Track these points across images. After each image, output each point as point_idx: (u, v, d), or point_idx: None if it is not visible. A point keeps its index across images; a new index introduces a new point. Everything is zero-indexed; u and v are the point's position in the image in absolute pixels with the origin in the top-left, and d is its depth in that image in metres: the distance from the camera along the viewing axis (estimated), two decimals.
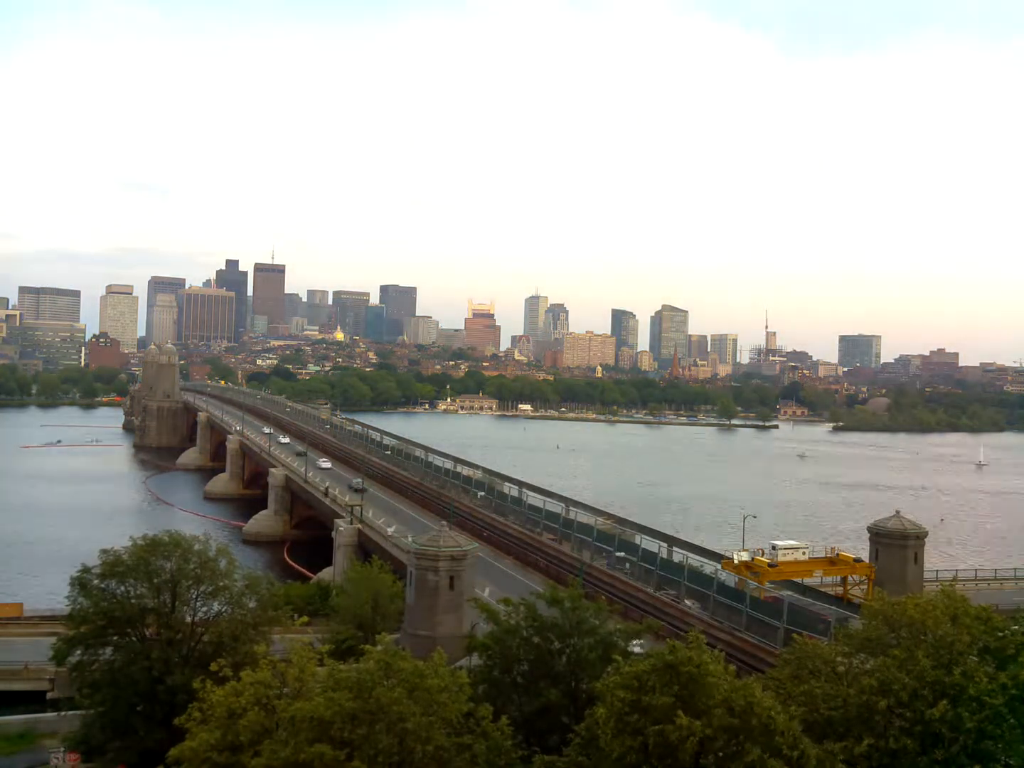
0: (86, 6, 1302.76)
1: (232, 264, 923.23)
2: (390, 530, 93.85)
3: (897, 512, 74.25)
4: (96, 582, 47.10)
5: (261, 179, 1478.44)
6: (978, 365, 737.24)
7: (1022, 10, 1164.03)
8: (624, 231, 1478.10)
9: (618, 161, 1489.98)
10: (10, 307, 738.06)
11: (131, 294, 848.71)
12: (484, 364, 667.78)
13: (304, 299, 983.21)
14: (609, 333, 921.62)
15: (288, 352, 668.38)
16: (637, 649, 41.51)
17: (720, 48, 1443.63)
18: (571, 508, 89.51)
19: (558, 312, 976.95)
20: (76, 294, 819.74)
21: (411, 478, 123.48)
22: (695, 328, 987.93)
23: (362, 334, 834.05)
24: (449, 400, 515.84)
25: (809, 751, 27.27)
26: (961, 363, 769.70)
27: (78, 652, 46.68)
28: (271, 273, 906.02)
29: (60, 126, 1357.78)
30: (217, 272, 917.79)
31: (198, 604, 47.72)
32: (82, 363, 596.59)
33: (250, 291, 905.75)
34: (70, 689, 50.84)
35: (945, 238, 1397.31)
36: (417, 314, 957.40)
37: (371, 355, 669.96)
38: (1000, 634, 35.42)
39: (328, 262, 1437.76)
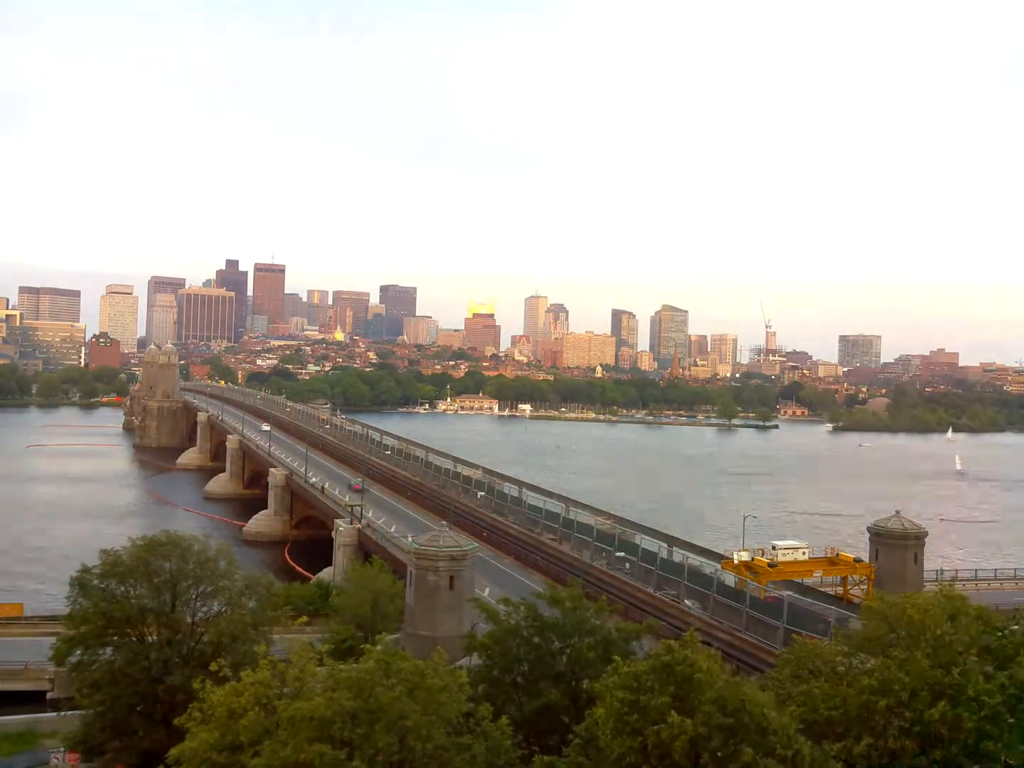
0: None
1: (232, 264, 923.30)
2: (391, 530, 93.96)
3: (897, 512, 74.18)
4: (96, 582, 47.06)
5: (261, 179, 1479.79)
6: (978, 365, 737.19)
7: None
8: (624, 231, 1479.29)
9: (618, 161, 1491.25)
10: (10, 307, 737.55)
11: (131, 294, 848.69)
12: (484, 364, 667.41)
13: (304, 299, 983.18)
14: (609, 333, 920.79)
15: (288, 352, 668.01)
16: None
17: (724, 47, 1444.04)
18: (571, 508, 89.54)
19: (558, 312, 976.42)
20: (76, 294, 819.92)
21: (411, 478, 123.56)
22: (695, 328, 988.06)
23: (362, 334, 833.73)
24: (449, 400, 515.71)
25: (804, 750, 27.27)
26: (961, 363, 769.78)
27: (78, 652, 46.65)
28: (271, 273, 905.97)
29: (59, 124, 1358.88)
30: (217, 272, 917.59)
31: (198, 604, 47.69)
32: (82, 363, 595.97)
33: (250, 291, 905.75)
34: (70, 689, 50.85)
35: (945, 238, 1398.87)
36: (417, 314, 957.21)
37: (371, 355, 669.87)
38: (999, 634, 35.46)
39: (328, 262, 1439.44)
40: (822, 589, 72.37)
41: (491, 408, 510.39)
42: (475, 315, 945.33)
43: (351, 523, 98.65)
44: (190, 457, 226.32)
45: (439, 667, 31.96)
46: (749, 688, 28.23)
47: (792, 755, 26.87)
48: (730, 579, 65.20)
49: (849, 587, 71.16)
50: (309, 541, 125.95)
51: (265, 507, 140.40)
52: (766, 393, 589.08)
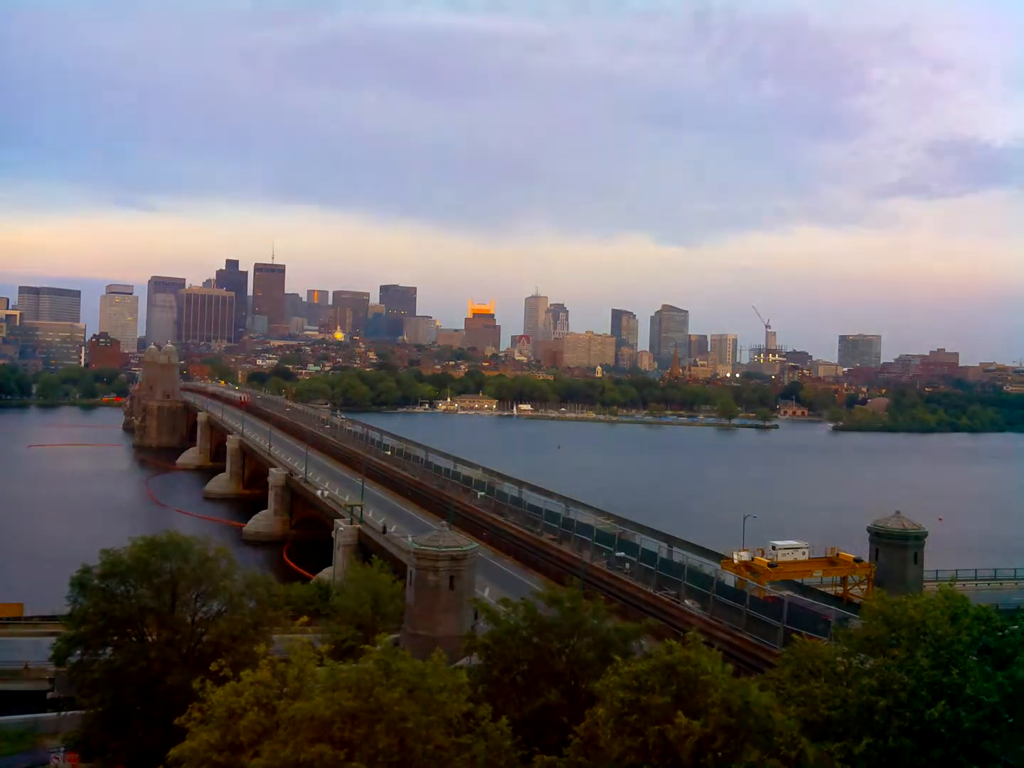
0: None
1: (232, 264, 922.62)
2: (391, 530, 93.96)
3: (897, 512, 74.17)
4: (96, 582, 47.15)
5: (261, 179, 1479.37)
6: (978, 365, 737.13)
7: None
8: (624, 231, 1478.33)
9: (618, 160, 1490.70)
10: (10, 307, 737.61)
11: (131, 294, 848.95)
12: (484, 364, 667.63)
13: (304, 299, 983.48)
14: (609, 333, 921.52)
15: (288, 352, 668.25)
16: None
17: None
18: (571, 508, 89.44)
19: (558, 312, 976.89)
20: (76, 294, 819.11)
21: (411, 478, 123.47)
22: (695, 328, 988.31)
23: (362, 334, 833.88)
24: (449, 400, 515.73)
25: (808, 751, 27.29)
26: (961, 363, 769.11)
27: (78, 652, 46.74)
28: (271, 273, 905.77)
29: (61, 123, 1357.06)
30: (217, 272, 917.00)
31: (198, 604, 47.76)
32: (82, 363, 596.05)
33: (250, 291, 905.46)
34: (70, 689, 50.86)
35: (945, 237, 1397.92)
36: (417, 314, 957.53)
37: (371, 355, 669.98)
38: (1000, 634, 35.42)
39: (328, 262, 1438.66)
40: (822, 589, 72.35)
41: (491, 408, 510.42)
42: (475, 315, 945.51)
43: (351, 523, 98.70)
44: (190, 457, 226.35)
45: (439, 667, 31.95)
46: (754, 689, 28.23)
47: (796, 756, 26.88)
48: (730, 579, 65.19)
49: (849, 587, 71.17)
50: (309, 541, 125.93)
51: (265, 507, 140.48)
52: (766, 393, 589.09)
